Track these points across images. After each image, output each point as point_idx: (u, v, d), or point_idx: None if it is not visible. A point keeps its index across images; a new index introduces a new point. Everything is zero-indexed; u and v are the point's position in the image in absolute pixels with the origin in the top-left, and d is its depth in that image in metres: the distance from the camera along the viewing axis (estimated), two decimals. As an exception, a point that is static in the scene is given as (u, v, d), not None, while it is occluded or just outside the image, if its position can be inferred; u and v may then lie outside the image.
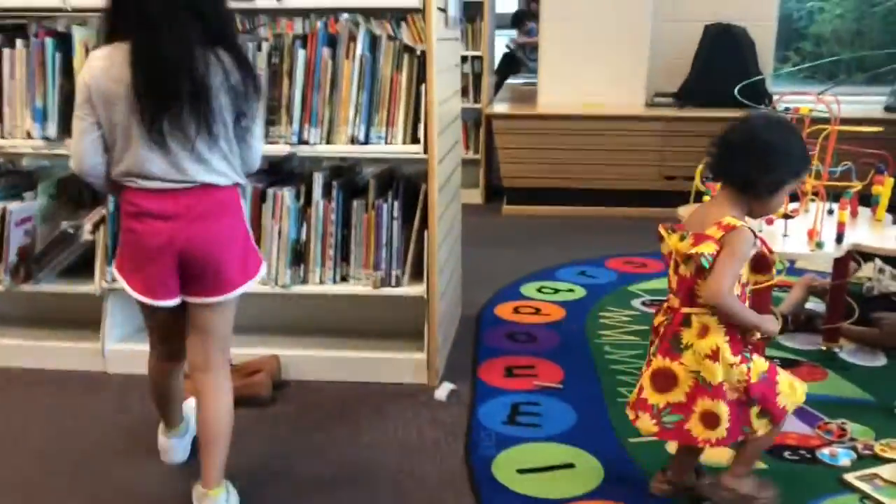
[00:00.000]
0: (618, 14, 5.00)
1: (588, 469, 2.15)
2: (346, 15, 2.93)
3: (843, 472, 2.10)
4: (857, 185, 2.60)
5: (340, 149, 2.54)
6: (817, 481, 2.06)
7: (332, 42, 2.51)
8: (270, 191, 2.58)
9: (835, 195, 2.65)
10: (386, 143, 2.53)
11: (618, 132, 4.82)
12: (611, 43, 5.03)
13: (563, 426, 2.38)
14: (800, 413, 2.28)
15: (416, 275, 2.63)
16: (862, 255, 3.02)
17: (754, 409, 1.85)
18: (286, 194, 2.57)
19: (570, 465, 2.17)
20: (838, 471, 2.12)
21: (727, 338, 1.83)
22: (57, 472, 2.17)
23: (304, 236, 2.60)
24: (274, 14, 3.01)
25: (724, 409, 1.82)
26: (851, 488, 2.05)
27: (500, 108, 5.18)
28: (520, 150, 4.96)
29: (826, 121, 2.62)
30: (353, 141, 2.52)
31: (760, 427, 1.86)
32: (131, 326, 2.86)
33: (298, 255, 2.61)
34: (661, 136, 4.80)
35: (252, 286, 1.93)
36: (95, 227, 2.66)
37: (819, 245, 2.50)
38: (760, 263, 1.89)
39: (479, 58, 5.36)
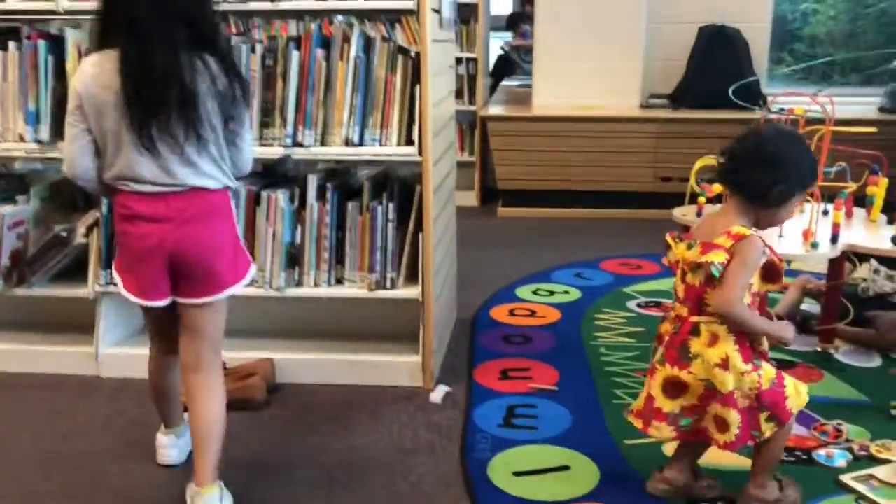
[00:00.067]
0: (612, 16, 5.01)
1: (584, 471, 2.15)
2: (340, 17, 2.93)
3: (840, 474, 2.10)
4: (851, 186, 2.61)
5: (335, 150, 2.53)
6: (814, 482, 2.06)
7: (326, 44, 2.51)
8: (265, 193, 2.57)
9: (829, 196, 2.66)
10: (380, 144, 2.52)
11: (612, 134, 4.82)
12: (605, 45, 5.04)
13: (559, 428, 2.38)
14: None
15: (411, 277, 2.62)
16: (858, 255, 3.02)
17: (763, 414, 1.86)
18: (280, 196, 2.56)
19: (566, 468, 2.17)
20: (834, 472, 2.11)
21: (737, 346, 1.85)
22: (51, 476, 2.16)
23: (298, 239, 2.59)
24: (268, 16, 3.01)
25: (735, 417, 1.84)
26: (848, 489, 2.04)
27: (494, 109, 5.18)
28: (515, 151, 4.97)
29: (820, 121, 2.62)
30: (348, 143, 2.51)
31: (768, 430, 1.88)
32: (125, 330, 2.85)
33: (293, 258, 2.60)
34: (656, 138, 4.80)
35: (241, 288, 1.96)
36: (89, 230, 2.65)
37: (814, 246, 2.50)
38: (771, 272, 1.90)
39: (474, 60, 5.36)
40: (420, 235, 2.57)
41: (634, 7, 5.00)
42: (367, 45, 2.50)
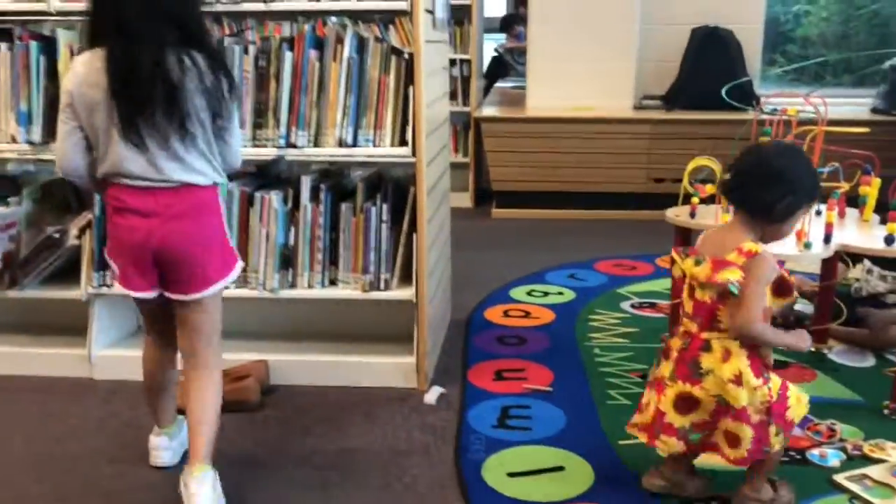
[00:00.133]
0: (605, 17, 5.02)
1: (578, 472, 2.15)
2: (333, 19, 2.93)
3: (833, 473, 2.10)
4: (844, 186, 2.61)
5: (328, 151, 2.53)
6: (807, 482, 2.06)
7: (319, 44, 2.50)
8: (258, 194, 2.57)
9: (822, 196, 2.66)
10: (374, 145, 2.52)
11: (606, 135, 4.83)
12: (599, 46, 5.04)
13: (553, 429, 2.37)
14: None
15: (405, 278, 2.62)
16: (851, 256, 3.03)
17: (773, 428, 1.87)
18: (274, 198, 2.56)
19: (560, 468, 2.17)
20: (828, 472, 2.12)
21: (748, 361, 1.86)
22: (44, 478, 2.15)
23: (292, 240, 2.59)
24: (261, 17, 3.00)
25: (748, 433, 1.85)
26: (841, 489, 2.05)
27: (488, 111, 5.18)
28: (509, 153, 4.97)
29: (813, 122, 2.63)
30: (341, 144, 2.51)
31: (777, 444, 1.89)
32: (118, 332, 2.84)
33: (286, 260, 2.60)
34: (650, 139, 4.81)
35: (226, 283, 1.98)
36: (81, 231, 2.64)
37: (807, 246, 2.50)
38: (782, 287, 1.92)
39: (468, 61, 5.37)
40: (414, 236, 2.57)
41: (628, 8, 5.01)
42: (361, 45, 2.50)
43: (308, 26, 2.63)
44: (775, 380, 1.90)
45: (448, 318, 3.22)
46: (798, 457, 2.20)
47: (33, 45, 2.52)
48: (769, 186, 1.86)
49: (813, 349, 2.91)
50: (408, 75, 2.48)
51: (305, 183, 2.56)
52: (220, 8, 2.51)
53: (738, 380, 1.84)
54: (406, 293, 2.59)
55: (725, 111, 4.18)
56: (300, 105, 2.50)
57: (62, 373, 2.72)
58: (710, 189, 2.71)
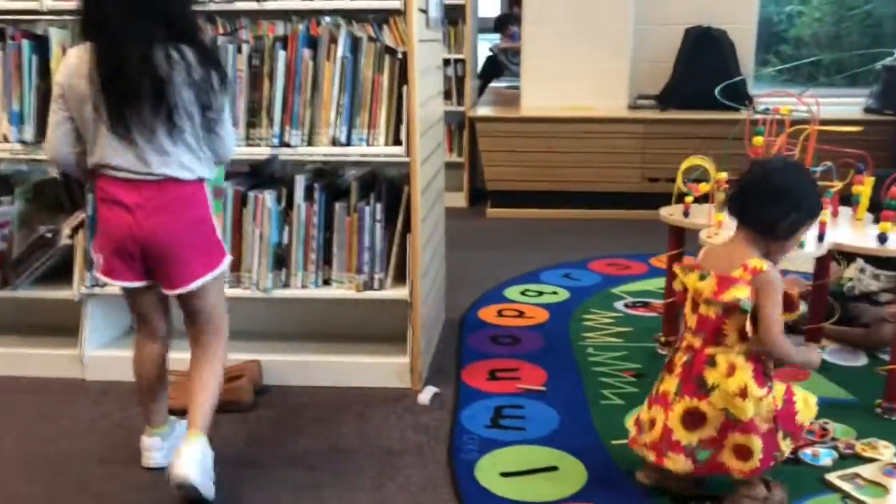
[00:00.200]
0: (599, 18, 5.02)
1: (571, 471, 2.15)
2: (327, 18, 2.92)
3: (825, 472, 2.11)
4: (837, 185, 2.62)
5: (322, 150, 2.52)
6: (800, 481, 2.07)
7: (312, 43, 2.50)
8: (251, 194, 2.56)
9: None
10: (368, 144, 2.52)
11: (600, 135, 4.84)
12: (593, 46, 5.05)
13: (547, 429, 2.37)
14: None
15: (399, 278, 2.61)
16: (845, 255, 3.04)
17: (780, 434, 1.89)
18: (267, 197, 2.55)
19: (554, 468, 2.17)
20: (820, 471, 2.12)
21: (753, 374, 1.87)
22: (35, 479, 2.14)
23: (285, 240, 2.58)
24: (255, 17, 2.99)
25: (758, 444, 1.86)
26: (833, 488, 2.05)
27: (483, 110, 5.18)
28: (503, 152, 4.97)
29: (806, 121, 2.64)
30: (335, 143, 2.51)
31: (787, 448, 1.91)
32: (111, 333, 2.83)
33: (280, 259, 2.59)
34: (644, 139, 4.82)
35: (216, 276, 2.02)
36: (74, 231, 2.63)
37: (800, 245, 2.51)
38: (786, 302, 1.93)
39: (462, 61, 5.36)
40: (408, 236, 2.57)
41: (622, 9, 5.02)
42: (354, 45, 2.49)
43: (302, 26, 2.62)
44: (778, 387, 1.91)
45: (442, 317, 3.22)
46: (791, 456, 2.20)
47: (25, 44, 2.51)
48: (773, 203, 1.88)
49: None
50: (401, 74, 2.48)
51: (299, 182, 2.56)
52: (213, 7, 2.50)
53: (743, 393, 1.86)
54: (400, 293, 2.59)
55: (719, 111, 4.19)
56: (294, 104, 2.50)
57: (54, 373, 2.71)
58: (703, 188, 2.72)
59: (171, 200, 1.92)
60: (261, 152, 2.53)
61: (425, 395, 2.58)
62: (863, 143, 2.77)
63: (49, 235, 2.62)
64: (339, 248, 2.59)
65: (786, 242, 1.94)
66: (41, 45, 2.51)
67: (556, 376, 2.72)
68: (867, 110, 4.86)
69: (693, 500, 2.00)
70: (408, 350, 2.64)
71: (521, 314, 3.34)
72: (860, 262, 3.13)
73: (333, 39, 2.48)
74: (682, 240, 2.83)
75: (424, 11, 2.65)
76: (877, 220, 2.56)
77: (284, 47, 2.49)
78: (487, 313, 3.35)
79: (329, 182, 2.66)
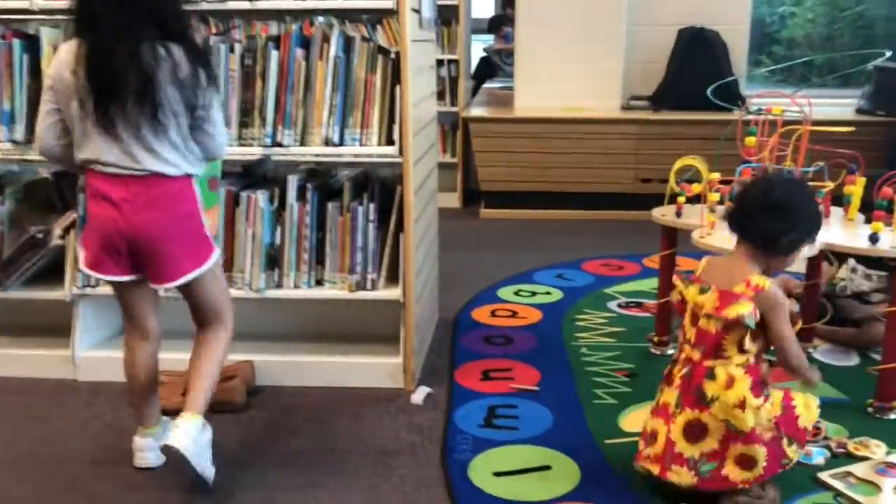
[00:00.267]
0: (593, 19, 5.02)
1: (565, 471, 2.15)
2: (320, 18, 2.92)
3: (818, 471, 2.11)
4: (829, 185, 2.62)
5: (315, 150, 2.52)
6: (792, 480, 2.07)
7: (305, 43, 2.49)
8: (244, 194, 2.55)
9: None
10: (361, 144, 2.51)
11: (594, 135, 4.84)
12: (586, 47, 5.05)
13: (540, 428, 2.37)
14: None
15: (392, 278, 2.61)
16: (837, 255, 3.04)
17: (785, 441, 1.90)
18: (260, 197, 2.55)
19: (547, 468, 2.17)
20: (813, 469, 2.12)
21: (751, 385, 1.88)
22: (26, 480, 2.13)
23: (278, 240, 2.58)
24: (249, 17, 2.99)
25: (761, 452, 1.88)
26: (826, 486, 2.06)
27: (476, 111, 5.18)
28: (497, 153, 4.97)
29: (798, 122, 2.64)
30: (328, 143, 2.50)
31: (794, 454, 1.92)
32: (102, 333, 2.82)
33: (273, 260, 2.58)
34: (637, 140, 4.83)
35: (205, 271, 2.02)
36: (65, 231, 2.62)
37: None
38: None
39: (455, 62, 5.37)
40: (401, 236, 2.57)
41: (615, 9, 5.02)
42: (347, 44, 2.49)
43: (295, 26, 2.62)
44: (776, 394, 1.92)
45: (435, 318, 3.21)
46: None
47: (16, 43, 2.50)
48: (774, 220, 1.90)
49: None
50: (394, 74, 2.47)
51: (292, 182, 2.55)
52: (205, 6, 2.50)
53: (743, 405, 1.87)
54: (393, 293, 2.59)
55: (712, 111, 4.20)
56: (286, 104, 2.49)
57: (46, 374, 2.69)
58: (695, 188, 2.72)
59: (159, 196, 1.93)
60: (253, 152, 2.53)
61: (419, 396, 2.58)
62: (855, 144, 2.78)
63: (40, 236, 2.61)
64: (331, 249, 2.58)
65: (786, 258, 1.96)
66: (32, 45, 2.50)
67: (549, 376, 2.72)
68: (859, 111, 4.87)
69: (686, 499, 2.01)
70: (401, 350, 2.63)
71: (514, 314, 3.34)
72: (852, 262, 3.14)
73: (326, 39, 2.48)
74: (674, 240, 2.83)
75: (417, 11, 2.64)
76: (868, 221, 2.57)
77: (277, 47, 2.49)
78: (481, 313, 3.34)
79: (322, 182, 2.65)
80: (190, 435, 1.94)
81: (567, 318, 3.28)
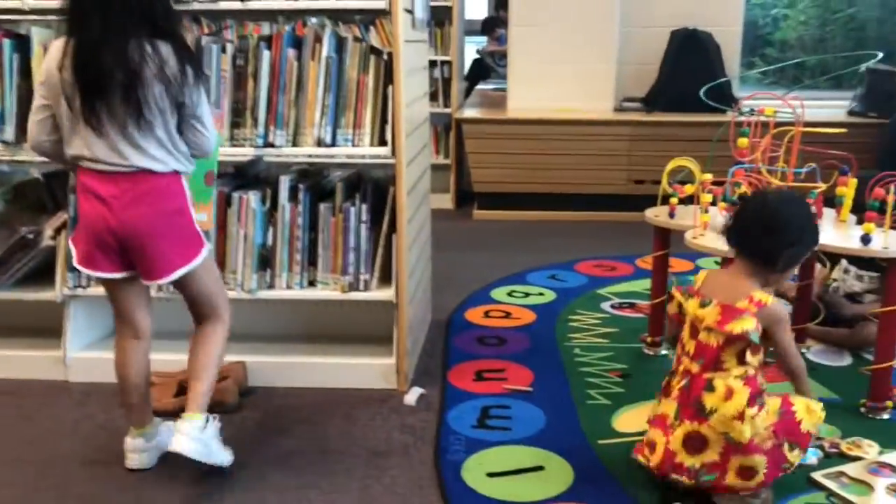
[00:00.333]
0: (586, 20, 5.03)
1: (558, 471, 2.14)
2: (313, 19, 2.91)
3: (811, 471, 2.11)
4: (821, 186, 2.63)
5: (307, 151, 2.51)
6: (785, 480, 2.06)
7: (297, 43, 2.49)
8: (236, 195, 2.54)
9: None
10: (353, 145, 2.51)
11: (587, 137, 4.85)
12: (579, 49, 5.06)
13: (533, 429, 2.37)
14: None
15: (385, 279, 2.61)
16: (829, 256, 3.05)
17: (786, 446, 1.90)
18: (252, 198, 2.54)
19: (540, 468, 2.16)
20: (806, 469, 2.12)
21: (749, 396, 1.89)
22: (16, 482, 2.12)
23: (270, 241, 2.57)
24: (241, 17, 2.98)
25: (760, 461, 1.89)
26: (819, 486, 2.06)
27: (469, 112, 5.18)
28: (490, 154, 4.97)
29: (791, 123, 2.65)
30: (320, 143, 2.50)
31: (795, 459, 1.93)
32: (94, 334, 2.80)
33: (265, 260, 2.58)
34: (630, 141, 4.83)
35: (195, 267, 2.03)
36: (56, 232, 2.61)
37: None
38: None
39: (449, 63, 5.37)
40: (394, 237, 2.56)
41: (608, 11, 5.04)
42: (339, 45, 2.48)
43: (287, 27, 2.61)
44: (772, 402, 1.93)
45: (428, 318, 3.21)
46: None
47: (6, 42, 2.48)
48: (773, 236, 1.91)
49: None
50: (387, 75, 2.47)
51: (284, 183, 2.55)
52: (197, 6, 2.49)
53: (741, 416, 1.87)
54: (386, 294, 2.58)
55: (705, 113, 4.21)
56: (278, 104, 2.48)
57: (36, 375, 2.68)
58: (688, 189, 2.73)
59: (147, 192, 1.94)
60: (245, 153, 2.52)
61: (411, 396, 2.57)
62: (847, 145, 2.78)
63: (31, 236, 2.59)
64: (324, 249, 2.58)
65: (785, 273, 1.98)
66: (22, 45, 2.49)
67: (542, 377, 2.72)
68: (851, 112, 4.89)
69: (681, 499, 2.00)
70: (394, 351, 2.63)
71: (507, 315, 3.33)
72: (844, 262, 3.14)
73: (318, 39, 2.47)
74: (667, 241, 2.83)
75: (410, 12, 2.64)
76: (860, 222, 2.57)
77: (269, 47, 2.48)
78: (474, 314, 3.34)
79: (314, 183, 2.65)
80: (192, 436, 1.97)
81: (560, 319, 3.28)
